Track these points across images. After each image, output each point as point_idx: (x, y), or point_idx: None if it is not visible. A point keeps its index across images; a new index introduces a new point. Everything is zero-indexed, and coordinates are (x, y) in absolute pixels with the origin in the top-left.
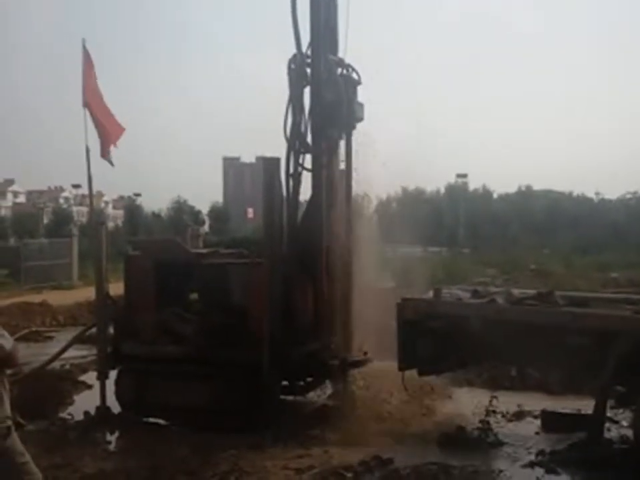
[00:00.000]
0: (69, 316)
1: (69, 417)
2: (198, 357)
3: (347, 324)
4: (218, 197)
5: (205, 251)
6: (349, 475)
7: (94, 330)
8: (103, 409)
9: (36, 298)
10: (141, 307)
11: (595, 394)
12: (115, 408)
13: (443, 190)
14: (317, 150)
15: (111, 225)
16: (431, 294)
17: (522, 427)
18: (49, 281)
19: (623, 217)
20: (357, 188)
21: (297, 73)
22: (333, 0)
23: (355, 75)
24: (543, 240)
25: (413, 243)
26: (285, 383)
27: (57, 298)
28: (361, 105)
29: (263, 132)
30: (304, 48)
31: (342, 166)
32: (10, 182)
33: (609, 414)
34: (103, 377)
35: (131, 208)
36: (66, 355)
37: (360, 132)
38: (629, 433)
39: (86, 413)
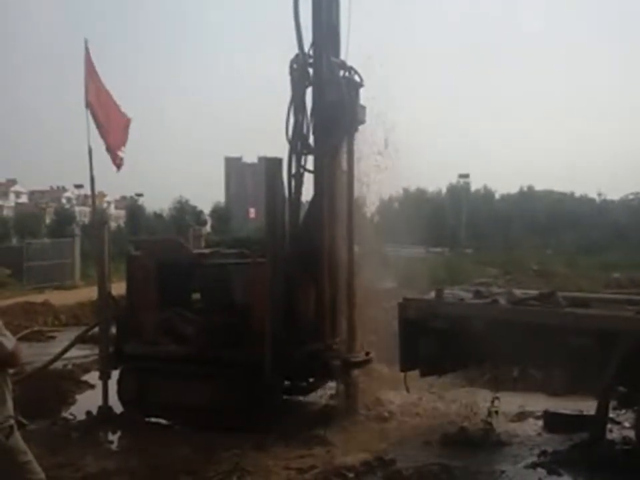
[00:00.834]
0: (71, 316)
1: (72, 417)
2: (200, 357)
3: (349, 324)
4: (220, 197)
5: (206, 250)
6: (351, 475)
7: (96, 330)
8: (105, 408)
9: (38, 298)
10: (143, 307)
11: (597, 395)
12: (117, 408)
13: (444, 190)
14: (318, 151)
15: (113, 225)
16: (432, 294)
17: (524, 427)
18: (51, 280)
19: (625, 217)
20: (358, 189)
21: (300, 72)
22: (335, 1)
23: (357, 78)
24: (545, 240)
25: (415, 243)
26: (287, 382)
27: (59, 298)
28: (363, 108)
29: (265, 132)
30: (306, 48)
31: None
32: (12, 182)
33: (611, 415)
34: (105, 377)
35: (133, 208)
36: (68, 354)
37: (362, 133)
38: (631, 433)
39: (88, 413)
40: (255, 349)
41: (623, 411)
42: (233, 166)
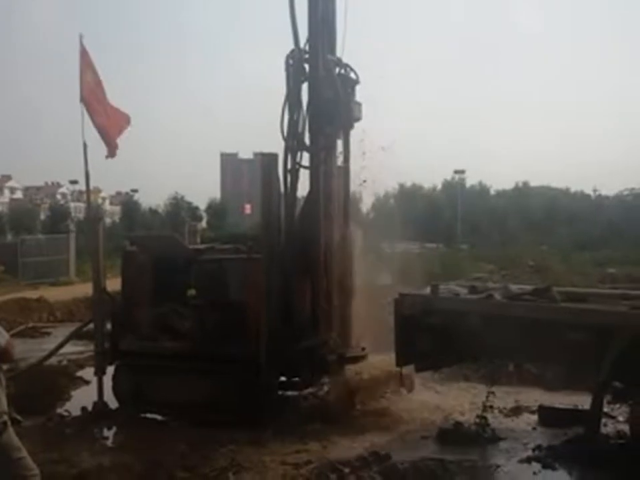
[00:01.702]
0: (67, 312)
1: (66, 413)
2: (195, 353)
3: (345, 319)
4: (215, 193)
5: (202, 246)
6: (347, 470)
7: (91, 325)
8: (100, 404)
9: (33, 294)
10: (139, 303)
11: (591, 389)
12: (113, 403)
13: (439, 186)
14: (314, 148)
15: (108, 221)
16: (428, 290)
17: (519, 422)
18: (46, 276)
19: (621, 213)
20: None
21: (295, 68)
22: None
23: (352, 75)
24: (540, 236)
25: (411, 239)
26: (282, 378)
27: (54, 294)
28: (359, 105)
29: (261, 128)
30: (302, 44)
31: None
32: (7, 178)
33: (605, 409)
34: (100, 373)
35: (128, 204)
36: (63, 350)
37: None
38: (626, 428)
39: (83, 409)
40: (251, 345)
41: (618, 406)
42: (229, 162)
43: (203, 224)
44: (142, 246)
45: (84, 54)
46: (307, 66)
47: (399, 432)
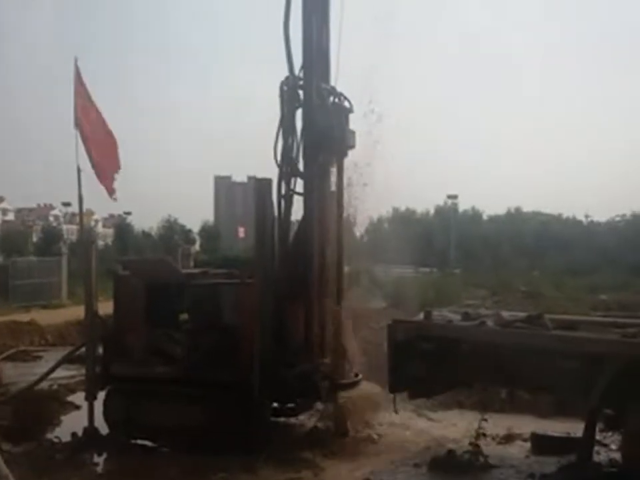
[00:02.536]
0: (58, 335)
1: (57, 439)
2: (188, 378)
3: (338, 345)
4: (209, 216)
5: (195, 270)
6: None
7: (83, 350)
8: (91, 430)
9: (24, 317)
10: (131, 327)
11: (584, 417)
12: (104, 429)
13: (432, 211)
14: (307, 175)
15: (100, 243)
16: (421, 316)
17: (512, 449)
18: (37, 299)
19: (612, 239)
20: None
21: (289, 95)
22: (325, 25)
23: (346, 103)
24: (532, 261)
25: (404, 263)
26: (275, 404)
27: (45, 317)
28: (353, 133)
29: (255, 151)
30: (296, 70)
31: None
32: None
33: (598, 437)
34: (91, 398)
35: (121, 226)
36: (54, 374)
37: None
38: (618, 456)
39: (74, 434)
40: (243, 370)
41: (610, 433)
42: (222, 185)
43: (196, 247)
44: (134, 270)
45: (78, 77)
46: (301, 92)
47: (391, 459)
